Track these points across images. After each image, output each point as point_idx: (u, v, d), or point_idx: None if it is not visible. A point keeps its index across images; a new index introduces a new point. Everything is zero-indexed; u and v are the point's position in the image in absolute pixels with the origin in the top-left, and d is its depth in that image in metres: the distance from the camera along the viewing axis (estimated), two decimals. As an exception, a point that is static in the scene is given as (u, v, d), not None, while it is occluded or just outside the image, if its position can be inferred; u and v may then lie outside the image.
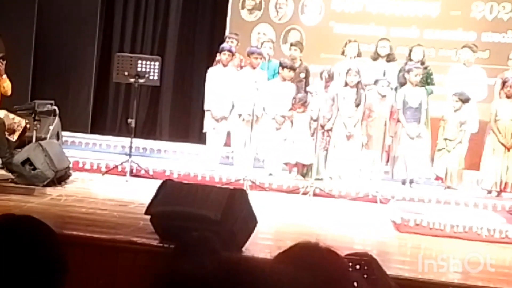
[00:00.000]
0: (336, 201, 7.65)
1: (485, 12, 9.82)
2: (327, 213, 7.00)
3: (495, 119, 8.06)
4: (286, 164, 8.48)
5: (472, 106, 8.32)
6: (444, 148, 8.11)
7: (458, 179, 8.09)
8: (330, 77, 8.47)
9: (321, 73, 8.55)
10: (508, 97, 8.11)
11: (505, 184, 7.96)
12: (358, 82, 8.41)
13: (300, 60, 9.04)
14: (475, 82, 8.60)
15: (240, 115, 8.50)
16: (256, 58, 8.59)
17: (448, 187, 8.07)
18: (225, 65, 8.64)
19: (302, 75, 8.90)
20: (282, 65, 8.57)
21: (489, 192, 8.01)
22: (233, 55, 8.72)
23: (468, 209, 7.46)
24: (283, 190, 7.92)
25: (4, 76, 7.54)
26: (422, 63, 8.74)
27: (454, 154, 8.07)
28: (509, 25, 9.77)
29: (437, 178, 8.20)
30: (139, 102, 9.51)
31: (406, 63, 8.82)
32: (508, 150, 7.98)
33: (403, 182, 8.34)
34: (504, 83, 8.17)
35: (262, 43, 9.36)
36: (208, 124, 8.63)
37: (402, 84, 8.62)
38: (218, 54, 8.69)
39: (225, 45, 8.80)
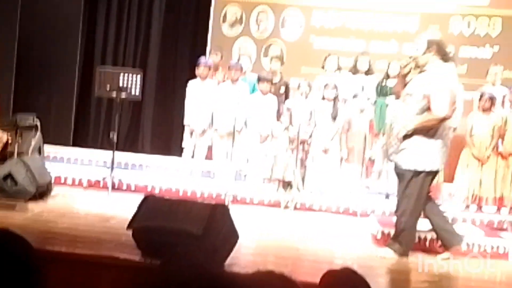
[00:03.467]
0: (317, 215, 7.69)
1: (462, 27, 9.97)
2: (308, 227, 7.03)
3: (471, 133, 8.17)
4: (266, 178, 8.54)
5: None
6: None
7: (436, 192, 8.17)
8: (310, 89, 8.58)
9: (298, 86, 8.66)
10: (484, 110, 8.22)
11: (479, 198, 8.05)
12: (336, 97, 8.50)
13: (280, 74, 9.13)
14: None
15: (221, 130, 8.55)
16: (237, 71, 8.66)
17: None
18: (203, 79, 8.69)
19: (283, 89, 8.99)
20: (259, 79, 8.67)
21: (467, 206, 8.10)
22: (209, 68, 8.78)
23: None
24: (264, 204, 7.96)
25: None
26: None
27: None
28: (486, 40, 9.94)
29: None
30: (121, 116, 9.52)
31: (384, 77, 8.95)
32: (482, 164, 8.09)
33: (387, 196, 8.41)
34: (481, 97, 8.29)
35: (238, 58, 9.45)
36: (188, 139, 8.66)
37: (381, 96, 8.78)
38: (196, 68, 8.74)
39: (201, 59, 8.85)
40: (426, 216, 6.02)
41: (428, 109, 5.63)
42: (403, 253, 5.95)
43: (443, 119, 5.60)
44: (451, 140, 8.21)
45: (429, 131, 5.63)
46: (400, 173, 5.84)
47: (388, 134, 5.91)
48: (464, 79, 9.55)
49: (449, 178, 8.43)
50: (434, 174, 5.84)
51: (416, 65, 5.76)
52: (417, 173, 5.69)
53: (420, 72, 5.77)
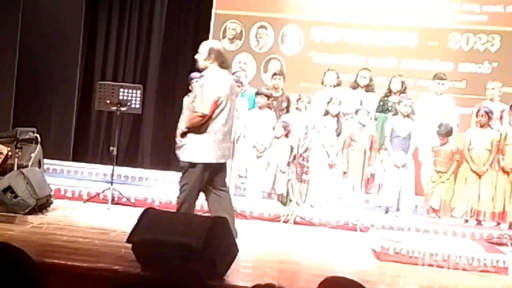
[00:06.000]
0: (317, 229, 7.70)
1: (461, 43, 10.03)
2: (307, 241, 7.04)
3: (469, 147, 8.20)
4: (265, 192, 8.55)
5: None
6: (438, 180, 8.23)
7: (449, 210, 8.20)
8: (310, 104, 8.63)
9: (297, 100, 8.68)
10: (481, 126, 8.25)
11: (477, 212, 8.07)
12: (339, 112, 8.54)
13: (282, 89, 9.15)
14: (444, 111, 8.77)
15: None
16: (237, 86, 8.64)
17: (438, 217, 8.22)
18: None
19: (284, 104, 8.99)
20: (257, 93, 8.70)
21: (467, 221, 8.13)
22: None
23: (447, 237, 7.55)
24: (264, 218, 7.96)
25: None
26: (402, 93, 8.90)
27: (447, 185, 8.20)
28: (485, 55, 9.98)
29: (433, 210, 8.29)
30: (121, 130, 9.55)
31: (386, 93, 9.00)
32: (480, 177, 8.11)
33: (387, 211, 8.42)
34: (477, 112, 8.33)
35: (235, 72, 9.45)
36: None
37: (383, 113, 8.83)
38: (189, 83, 8.75)
39: (193, 74, 8.86)
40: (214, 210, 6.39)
41: None
42: None
43: (204, 116, 6.12)
44: (451, 156, 8.36)
45: (201, 127, 6.18)
46: (182, 166, 6.33)
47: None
48: (463, 95, 9.64)
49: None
50: (212, 166, 6.27)
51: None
52: (193, 165, 6.20)
53: (201, 76, 6.41)
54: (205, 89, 6.16)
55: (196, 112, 6.14)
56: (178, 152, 6.34)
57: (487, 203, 8.05)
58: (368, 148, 8.30)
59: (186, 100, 6.43)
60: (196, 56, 6.46)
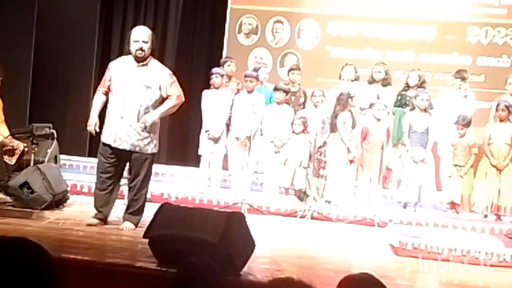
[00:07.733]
0: (334, 225, 7.65)
1: (480, 37, 9.93)
2: (324, 237, 7.00)
3: (489, 142, 8.11)
4: (282, 187, 8.51)
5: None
6: (456, 174, 8.15)
7: (468, 205, 8.10)
8: (324, 98, 8.58)
9: (311, 96, 8.63)
10: (501, 120, 8.16)
11: (498, 207, 7.98)
12: (354, 106, 8.49)
13: (298, 84, 9.09)
14: (464, 105, 8.68)
15: (237, 138, 8.54)
16: (252, 81, 8.62)
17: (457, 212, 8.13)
18: (217, 88, 8.68)
19: (302, 99, 8.94)
20: (275, 88, 8.65)
21: (486, 216, 8.04)
22: (222, 76, 8.75)
23: (466, 232, 7.47)
24: (280, 213, 7.93)
25: None
26: (419, 87, 8.80)
27: (465, 180, 8.11)
28: (504, 49, 9.88)
29: (453, 204, 8.19)
30: (137, 126, 9.51)
31: (404, 87, 8.92)
32: (500, 172, 8.01)
33: (405, 206, 8.34)
34: (497, 106, 8.24)
35: (257, 68, 9.39)
36: (204, 147, 8.65)
37: (401, 107, 8.75)
38: (210, 78, 8.73)
39: (213, 69, 8.84)
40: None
41: (164, 98, 6.39)
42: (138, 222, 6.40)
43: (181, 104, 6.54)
44: (468, 149, 8.28)
45: None
46: (141, 158, 6.34)
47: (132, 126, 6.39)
48: (482, 89, 9.54)
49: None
50: None
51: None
52: (155, 156, 6.51)
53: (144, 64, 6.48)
54: (174, 77, 6.46)
55: (179, 101, 6.47)
56: (141, 144, 6.32)
57: (508, 198, 7.96)
58: (384, 142, 8.23)
59: (150, 91, 6.37)
60: (142, 45, 6.44)
